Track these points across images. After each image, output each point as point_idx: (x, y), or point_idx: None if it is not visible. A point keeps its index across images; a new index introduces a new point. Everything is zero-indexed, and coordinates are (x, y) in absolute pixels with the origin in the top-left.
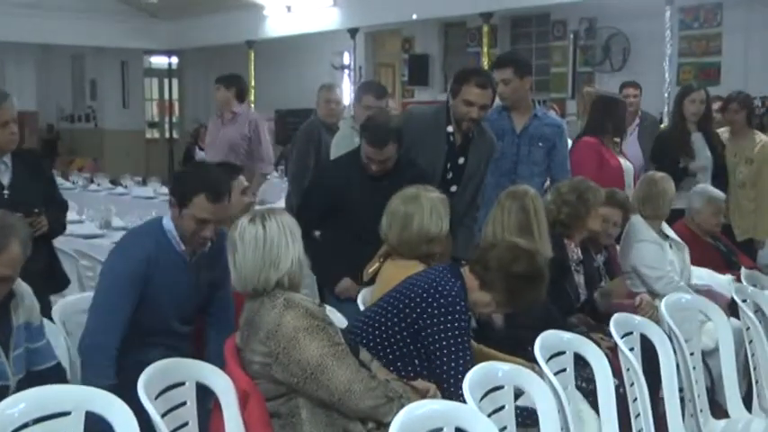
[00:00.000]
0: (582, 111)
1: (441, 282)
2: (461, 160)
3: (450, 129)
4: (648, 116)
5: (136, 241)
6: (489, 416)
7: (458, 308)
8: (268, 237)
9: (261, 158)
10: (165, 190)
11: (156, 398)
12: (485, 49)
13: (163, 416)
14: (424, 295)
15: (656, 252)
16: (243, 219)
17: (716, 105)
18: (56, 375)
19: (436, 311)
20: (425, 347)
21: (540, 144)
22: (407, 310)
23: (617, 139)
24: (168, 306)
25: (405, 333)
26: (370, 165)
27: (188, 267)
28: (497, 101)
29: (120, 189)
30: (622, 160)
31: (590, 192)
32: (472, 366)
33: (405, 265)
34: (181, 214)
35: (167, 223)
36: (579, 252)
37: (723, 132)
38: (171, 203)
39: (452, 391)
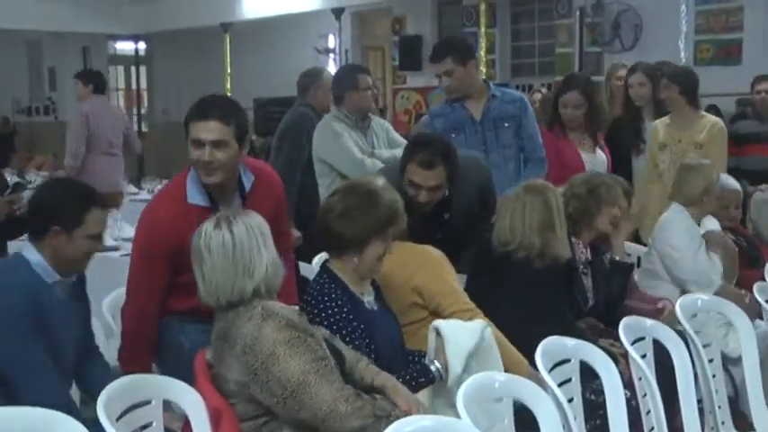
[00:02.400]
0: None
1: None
2: (447, 215)
3: None
4: None
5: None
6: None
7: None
8: (237, 242)
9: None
10: (133, 188)
11: (118, 419)
12: (482, 30)
13: None
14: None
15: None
16: (206, 224)
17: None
18: None
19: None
20: None
21: (507, 124)
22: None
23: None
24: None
25: None
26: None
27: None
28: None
29: None
30: (598, 151)
31: (603, 187)
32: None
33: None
34: (71, 238)
35: (33, 256)
36: (588, 252)
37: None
38: (54, 233)
39: None
